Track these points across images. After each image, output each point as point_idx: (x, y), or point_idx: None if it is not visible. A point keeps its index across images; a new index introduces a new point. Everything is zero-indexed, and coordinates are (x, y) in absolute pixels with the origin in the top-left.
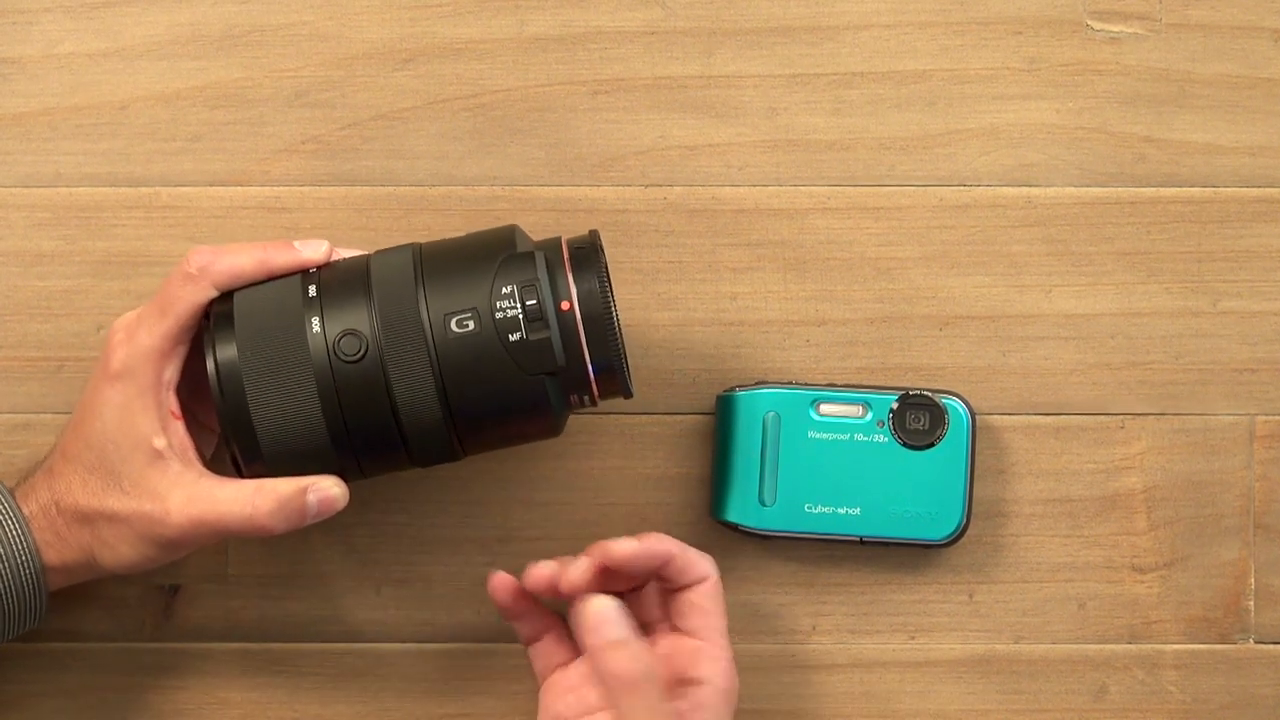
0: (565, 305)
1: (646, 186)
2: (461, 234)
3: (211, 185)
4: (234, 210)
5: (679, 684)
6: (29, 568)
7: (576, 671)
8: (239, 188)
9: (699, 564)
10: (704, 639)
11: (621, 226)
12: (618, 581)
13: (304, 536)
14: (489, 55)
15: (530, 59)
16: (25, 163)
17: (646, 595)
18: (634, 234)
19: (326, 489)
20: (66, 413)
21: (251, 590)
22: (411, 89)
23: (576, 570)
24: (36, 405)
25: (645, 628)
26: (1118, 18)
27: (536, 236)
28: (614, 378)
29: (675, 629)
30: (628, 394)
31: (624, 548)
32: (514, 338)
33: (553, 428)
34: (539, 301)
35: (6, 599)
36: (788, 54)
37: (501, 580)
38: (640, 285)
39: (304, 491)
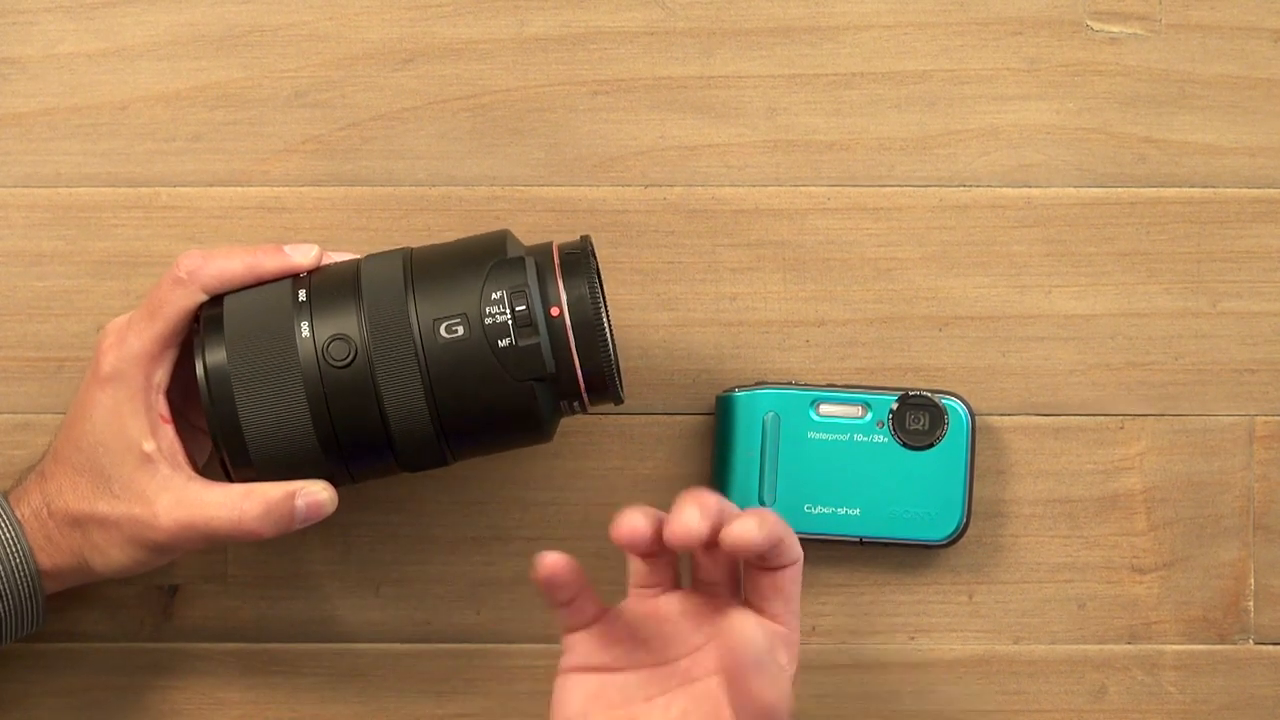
0: (555, 311)
1: (646, 186)
2: (459, 236)
3: (211, 185)
4: (234, 210)
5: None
6: (24, 571)
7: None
8: (239, 188)
9: (796, 545)
10: (786, 624)
11: (621, 226)
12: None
13: (303, 537)
14: (489, 55)
15: (530, 59)
16: (25, 163)
17: (714, 556)
18: (634, 234)
19: (315, 494)
20: (66, 413)
21: (250, 590)
22: (411, 89)
23: (687, 526)
24: (36, 405)
25: (702, 588)
26: (1118, 18)
27: (536, 237)
28: (604, 384)
29: (746, 604)
30: (618, 400)
31: (750, 535)
32: (503, 343)
33: (542, 434)
34: (528, 307)
35: (4, 603)
36: (788, 54)
37: (557, 561)
38: (640, 285)
39: (292, 496)
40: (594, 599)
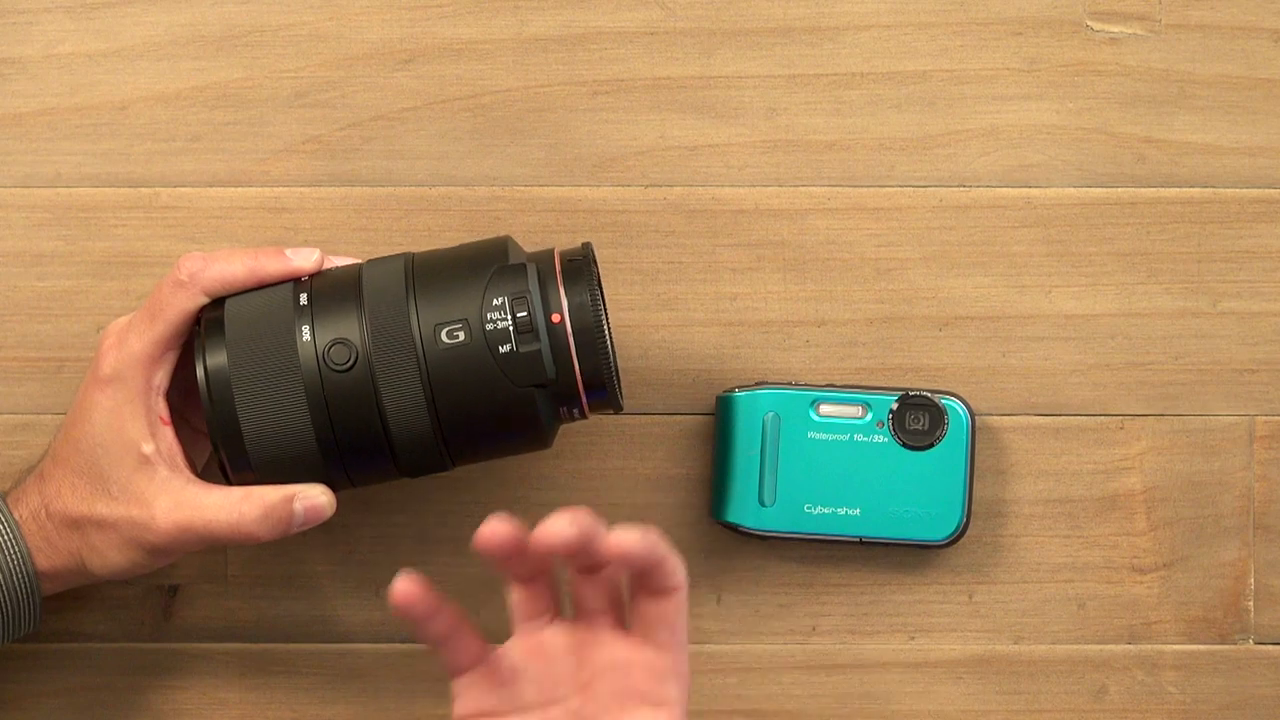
0: (556, 318)
1: (646, 186)
2: (459, 237)
3: (211, 185)
4: (234, 211)
5: (642, 702)
6: (22, 573)
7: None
8: (239, 188)
9: (678, 570)
10: (672, 655)
11: (621, 227)
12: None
13: (303, 538)
14: (489, 55)
15: (530, 59)
16: (25, 163)
17: (594, 581)
18: (634, 234)
19: (313, 497)
20: (66, 413)
21: (251, 591)
22: (411, 89)
23: (557, 533)
24: (36, 405)
25: (585, 619)
26: (1118, 18)
27: (535, 236)
28: (604, 391)
29: (627, 633)
30: (618, 408)
31: (628, 544)
32: (504, 349)
33: (542, 440)
34: (530, 313)
35: (2, 606)
36: (788, 54)
37: (408, 587)
38: (640, 285)
39: (290, 500)
40: (473, 636)
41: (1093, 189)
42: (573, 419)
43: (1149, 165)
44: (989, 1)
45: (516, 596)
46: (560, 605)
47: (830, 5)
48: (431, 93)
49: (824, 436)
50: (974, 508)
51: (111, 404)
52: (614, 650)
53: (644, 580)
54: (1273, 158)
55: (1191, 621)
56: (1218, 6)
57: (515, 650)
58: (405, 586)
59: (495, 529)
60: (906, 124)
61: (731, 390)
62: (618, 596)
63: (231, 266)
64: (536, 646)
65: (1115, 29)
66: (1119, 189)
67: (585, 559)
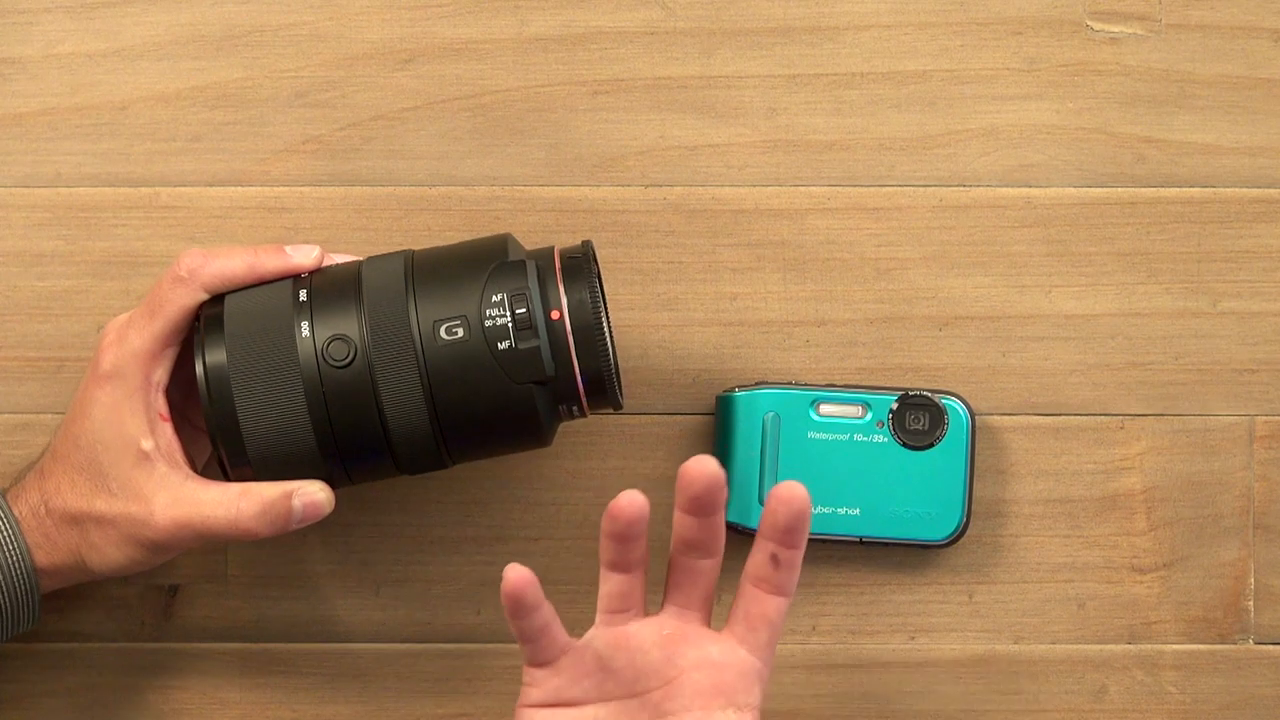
0: (555, 315)
1: (646, 186)
2: (459, 237)
3: (211, 185)
4: (234, 210)
5: (727, 704)
6: (20, 568)
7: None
8: (239, 188)
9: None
10: (763, 658)
11: (621, 226)
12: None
13: (303, 537)
14: (489, 55)
15: (530, 59)
16: (25, 163)
17: (696, 573)
18: (634, 234)
19: (312, 494)
20: (65, 412)
21: (251, 590)
22: (411, 89)
23: (706, 469)
24: (36, 405)
25: (674, 614)
26: (1118, 18)
27: (536, 237)
28: (603, 389)
29: (721, 633)
30: (618, 406)
31: (799, 489)
32: (503, 346)
33: (541, 438)
34: (529, 310)
35: (1, 603)
36: (788, 54)
37: (523, 576)
38: (640, 285)
39: (289, 496)
40: (562, 629)
41: (1093, 189)
42: (572, 417)
43: (1149, 165)
44: (989, 1)
45: (608, 587)
46: (646, 601)
47: (830, 5)
48: (431, 93)
49: (824, 436)
50: (974, 508)
51: (111, 400)
52: (707, 648)
53: (767, 575)
54: (1273, 158)
55: (1191, 621)
56: (1218, 6)
57: (600, 641)
58: (518, 575)
59: (634, 499)
60: (906, 124)
61: (731, 390)
62: (712, 594)
63: (231, 263)
64: (622, 638)
65: (1115, 29)
66: (1119, 189)
67: (711, 510)
